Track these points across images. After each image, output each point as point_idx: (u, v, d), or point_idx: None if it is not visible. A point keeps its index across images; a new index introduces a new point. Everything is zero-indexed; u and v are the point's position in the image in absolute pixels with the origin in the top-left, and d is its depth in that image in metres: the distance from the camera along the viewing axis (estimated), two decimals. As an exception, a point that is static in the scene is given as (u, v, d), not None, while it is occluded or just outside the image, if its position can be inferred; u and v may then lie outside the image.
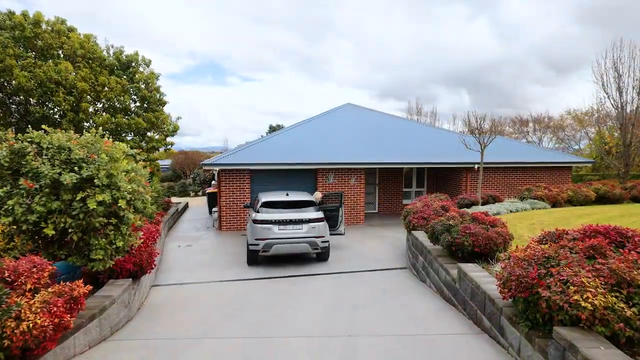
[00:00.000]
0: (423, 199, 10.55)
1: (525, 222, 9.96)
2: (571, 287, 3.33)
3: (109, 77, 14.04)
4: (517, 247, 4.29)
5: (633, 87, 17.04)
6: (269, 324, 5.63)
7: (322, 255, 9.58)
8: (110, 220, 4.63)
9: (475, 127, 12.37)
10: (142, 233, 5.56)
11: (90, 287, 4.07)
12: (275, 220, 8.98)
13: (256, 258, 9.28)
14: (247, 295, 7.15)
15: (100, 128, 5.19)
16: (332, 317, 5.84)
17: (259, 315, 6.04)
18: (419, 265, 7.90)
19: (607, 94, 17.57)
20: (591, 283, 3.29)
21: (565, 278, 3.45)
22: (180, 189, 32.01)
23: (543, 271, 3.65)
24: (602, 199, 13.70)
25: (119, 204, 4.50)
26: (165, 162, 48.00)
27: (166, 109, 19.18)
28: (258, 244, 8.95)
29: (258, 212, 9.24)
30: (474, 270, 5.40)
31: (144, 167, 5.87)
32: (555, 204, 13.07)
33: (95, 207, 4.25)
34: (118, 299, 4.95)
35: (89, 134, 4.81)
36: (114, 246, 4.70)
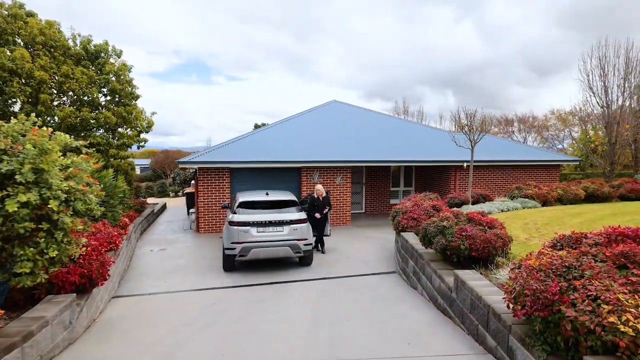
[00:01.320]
0: (412, 198, 9.92)
1: (518, 222, 9.45)
2: (604, 306, 2.69)
3: (73, 67, 12.93)
4: (529, 254, 3.62)
5: (618, 86, 16.89)
6: (239, 344, 4.85)
7: (305, 260, 8.87)
8: (41, 226, 3.79)
9: (466, 124, 11.85)
10: (85, 240, 4.70)
11: (1, 312, 3.23)
12: (253, 222, 8.26)
13: (233, 263, 8.54)
14: (219, 307, 6.36)
15: (36, 121, 4.28)
16: (313, 334, 5.10)
17: (229, 332, 5.26)
18: (410, 270, 7.25)
19: (592, 92, 17.39)
20: (630, 301, 2.66)
21: (595, 294, 2.81)
22: (159, 189, 30.77)
23: (564, 284, 3.00)
24: (591, 198, 13.39)
25: (50, 205, 3.66)
26: (146, 162, 46.43)
27: (143, 104, 18.26)
28: (234, 248, 8.21)
29: (235, 213, 8.50)
30: (473, 278, 4.74)
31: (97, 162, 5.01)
32: (545, 202, 12.68)
33: (16, 209, 3.41)
34: (53, 320, 4.10)
35: (15, 121, 3.95)
36: (47, 257, 3.86)
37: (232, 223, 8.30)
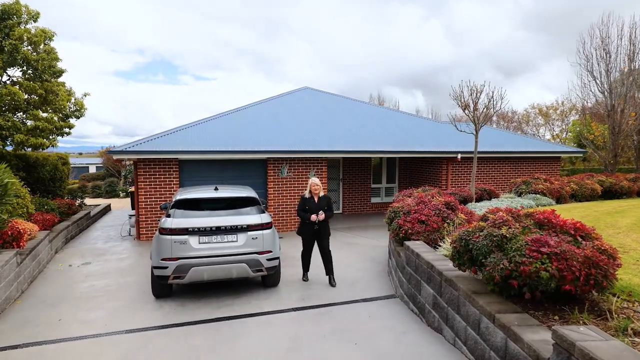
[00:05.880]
0: (416, 194, 7.52)
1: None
2: None
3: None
4: None
5: (621, 71, 15.35)
6: None
7: (269, 280, 6.33)
8: None
9: (469, 103, 9.62)
10: None
11: None
12: (193, 229, 5.66)
13: (166, 287, 5.93)
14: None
15: None
16: None
17: None
18: (426, 300, 4.82)
19: (593, 76, 15.79)
20: None
21: None
22: (107, 189, 27.12)
23: None
24: (608, 193, 11.60)
25: None
26: (98, 160, 42.66)
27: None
28: (166, 267, 5.57)
29: (169, 216, 5.85)
30: (614, 352, 2.29)
31: None
32: (559, 199, 10.74)
33: None
34: None
35: None
36: None
37: (163, 231, 5.66)
